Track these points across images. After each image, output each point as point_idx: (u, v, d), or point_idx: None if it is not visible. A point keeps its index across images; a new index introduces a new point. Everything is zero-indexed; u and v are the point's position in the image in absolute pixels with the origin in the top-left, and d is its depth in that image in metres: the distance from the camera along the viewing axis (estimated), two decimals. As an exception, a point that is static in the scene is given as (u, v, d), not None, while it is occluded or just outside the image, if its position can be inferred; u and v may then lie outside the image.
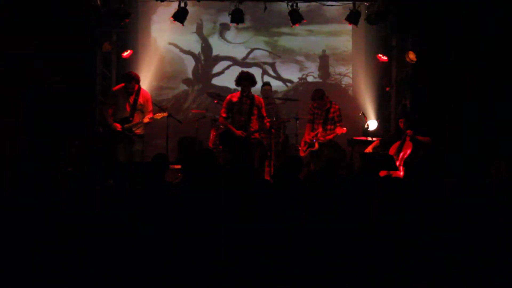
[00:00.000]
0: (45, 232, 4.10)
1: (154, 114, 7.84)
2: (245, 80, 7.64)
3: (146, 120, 7.77)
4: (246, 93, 7.68)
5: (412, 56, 8.78)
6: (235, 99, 7.74)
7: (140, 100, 7.76)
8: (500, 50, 8.19)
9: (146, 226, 4.10)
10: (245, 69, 8.29)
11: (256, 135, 7.85)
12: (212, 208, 4.18)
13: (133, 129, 7.76)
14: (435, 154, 7.67)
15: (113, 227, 4.13)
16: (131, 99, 7.75)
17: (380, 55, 9.44)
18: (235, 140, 7.69)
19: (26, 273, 3.88)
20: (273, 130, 7.94)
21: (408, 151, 7.62)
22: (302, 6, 8.76)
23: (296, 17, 8.56)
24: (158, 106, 8.28)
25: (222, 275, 3.85)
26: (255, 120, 7.80)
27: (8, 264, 3.92)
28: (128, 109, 7.75)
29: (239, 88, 7.78)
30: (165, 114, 7.93)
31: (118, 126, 7.68)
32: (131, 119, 7.75)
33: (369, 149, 8.05)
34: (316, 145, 8.24)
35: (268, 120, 7.83)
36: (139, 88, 7.81)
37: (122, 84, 7.83)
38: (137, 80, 7.73)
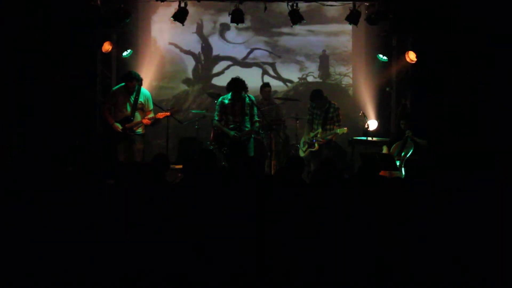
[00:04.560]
0: (45, 232, 4.09)
1: (156, 113, 7.88)
2: (237, 87, 7.66)
3: (145, 121, 7.78)
4: (237, 96, 7.72)
5: (412, 56, 8.78)
6: (227, 101, 7.78)
7: (141, 99, 7.80)
8: (501, 50, 8.18)
9: (146, 226, 4.09)
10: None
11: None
12: (212, 208, 4.18)
13: (134, 128, 7.79)
14: (435, 154, 7.66)
15: (113, 227, 4.13)
16: (132, 98, 7.77)
17: (380, 55, 9.43)
18: (229, 141, 7.74)
19: (26, 272, 3.88)
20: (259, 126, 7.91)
21: (409, 151, 7.62)
22: (302, 6, 8.73)
23: (296, 17, 8.54)
24: (159, 106, 8.29)
25: (222, 274, 3.85)
26: (249, 120, 7.83)
27: (8, 263, 3.92)
28: (129, 108, 7.78)
29: None
30: (168, 113, 7.97)
31: (118, 127, 7.70)
32: (132, 118, 7.78)
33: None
34: (317, 145, 8.25)
35: (258, 120, 7.84)
36: (139, 87, 7.84)
37: (122, 84, 7.86)
38: (138, 79, 7.76)
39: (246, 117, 7.80)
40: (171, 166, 6.91)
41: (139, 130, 7.86)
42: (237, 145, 7.69)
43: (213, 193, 4.38)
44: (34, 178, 5.11)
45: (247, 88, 7.77)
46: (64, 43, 8.44)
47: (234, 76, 7.90)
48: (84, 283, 3.88)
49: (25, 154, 7.71)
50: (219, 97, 8.82)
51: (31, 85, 8.16)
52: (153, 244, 4.00)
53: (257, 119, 7.83)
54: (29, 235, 4.08)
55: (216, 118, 7.84)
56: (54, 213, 4.24)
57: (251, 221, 4.07)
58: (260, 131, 8.14)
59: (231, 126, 7.79)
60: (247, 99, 7.75)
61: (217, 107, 7.89)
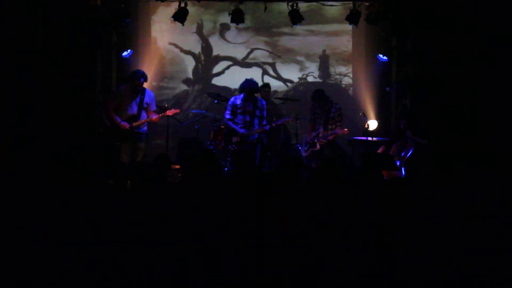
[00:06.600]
0: (44, 232, 4.09)
1: (165, 112, 7.93)
2: (251, 89, 7.80)
3: (155, 119, 7.87)
4: (250, 97, 7.85)
5: None
6: (238, 101, 7.89)
7: (146, 98, 7.86)
8: (501, 50, 8.18)
9: (146, 226, 4.10)
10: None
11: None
12: (213, 208, 4.18)
13: (141, 127, 7.85)
14: (435, 154, 7.67)
15: (113, 227, 4.13)
16: (138, 98, 7.81)
17: (380, 55, 9.43)
18: (238, 140, 7.87)
19: (26, 273, 3.89)
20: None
21: (409, 151, 7.62)
22: (302, 6, 8.76)
23: (296, 17, 8.55)
24: (159, 106, 8.31)
25: (222, 275, 3.85)
26: (259, 121, 7.95)
27: (8, 264, 3.92)
28: (135, 107, 7.82)
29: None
30: (178, 110, 8.07)
31: (125, 126, 7.73)
32: (138, 117, 7.83)
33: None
34: (318, 145, 8.26)
35: (265, 124, 7.95)
36: (144, 87, 7.88)
37: (127, 84, 7.89)
38: (145, 77, 7.80)
39: (256, 118, 7.91)
40: (171, 166, 6.93)
41: (144, 128, 7.94)
42: (245, 143, 7.83)
43: (213, 193, 4.38)
44: (34, 178, 5.11)
45: (259, 89, 7.95)
46: (64, 43, 8.44)
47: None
48: (84, 284, 3.88)
49: (25, 154, 7.71)
50: (219, 97, 8.90)
51: (31, 85, 8.16)
52: (153, 244, 4.00)
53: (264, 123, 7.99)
54: (29, 235, 4.08)
55: (227, 116, 7.97)
56: (54, 213, 4.24)
57: (251, 221, 4.07)
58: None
59: (241, 125, 7.90)
60: (258, 101, 7.90)
61: (228, 106, 8.03)
